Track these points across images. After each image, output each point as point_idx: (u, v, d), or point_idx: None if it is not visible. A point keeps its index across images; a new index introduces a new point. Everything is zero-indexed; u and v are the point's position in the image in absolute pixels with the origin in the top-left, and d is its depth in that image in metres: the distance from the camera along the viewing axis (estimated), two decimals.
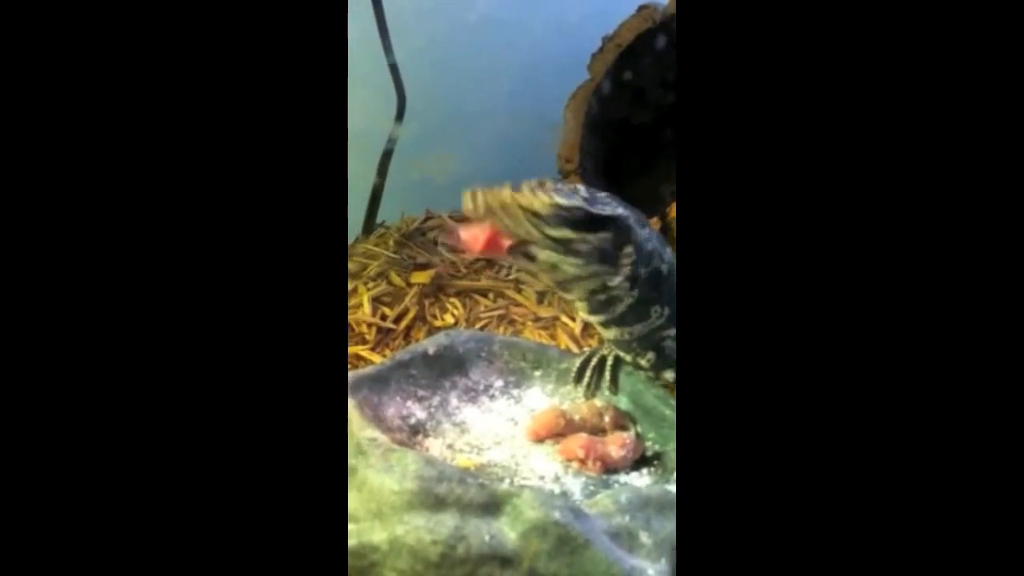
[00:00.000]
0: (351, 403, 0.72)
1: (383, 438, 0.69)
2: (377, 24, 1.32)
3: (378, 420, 0.77)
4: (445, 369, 0.86)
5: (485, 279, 1.22)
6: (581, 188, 0.75)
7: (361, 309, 1.15)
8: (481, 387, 0.87)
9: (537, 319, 1.14)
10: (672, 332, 0.78)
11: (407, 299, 1.16)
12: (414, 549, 0.61)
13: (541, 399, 0.87)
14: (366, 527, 0.63)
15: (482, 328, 1.13)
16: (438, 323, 1.13)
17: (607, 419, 0.81)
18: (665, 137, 1.43)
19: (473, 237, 0.72)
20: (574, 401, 0.85)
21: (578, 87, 1.30)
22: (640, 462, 0.78)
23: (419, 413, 0.82)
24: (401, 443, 0.75)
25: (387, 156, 1.38)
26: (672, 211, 1.22)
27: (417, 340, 1.09)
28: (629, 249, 0.74)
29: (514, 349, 0.90)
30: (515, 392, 0.87)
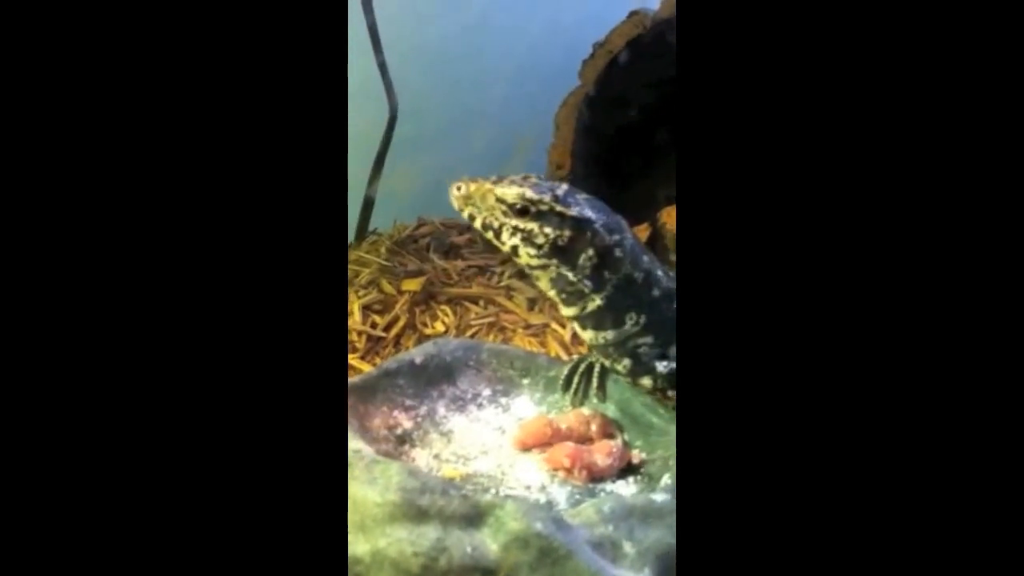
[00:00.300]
0: None
1: (367, 449, 0.69)
2: (367, 22, 1.31)
3: (364, 430, 0.77)
4: (433, 378, 0.86)
5: (476, 286, 1.22)
6: (561, 186, 0.78)
7: (352, 317, 1.15)
8: (469, 396, 0.87)
9: (528, 326, 1.14)
10: (649, 340, 0.79)
11: (397, 307, 1.16)
12: (396, 561, 0.61)
13: (529, 407, 0.86)
14: (350, 539, 0.63)
15: (473, 335, 1.13)
16: (428, 331, 1.13)
17: (594, 427, 0.81)
18: (660, 140, 1.44)
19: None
20: (562, 409, 0.85)
21: (569, 93, 1.30)
22: (626, 470, 0.78)
23: (406, 423, 0.82)
24: (387, 454, 0.75)
25: (380, 161, 1.38)
26: (663, 216, 1.22)
27: (407, 348, 1.09)
28: (590, 252, 0.76)
29: (502, 357, 0.89)
30: (503, 400, 0.87)
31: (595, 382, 0.86)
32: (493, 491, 0.74)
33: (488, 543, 0.61)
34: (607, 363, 0.83)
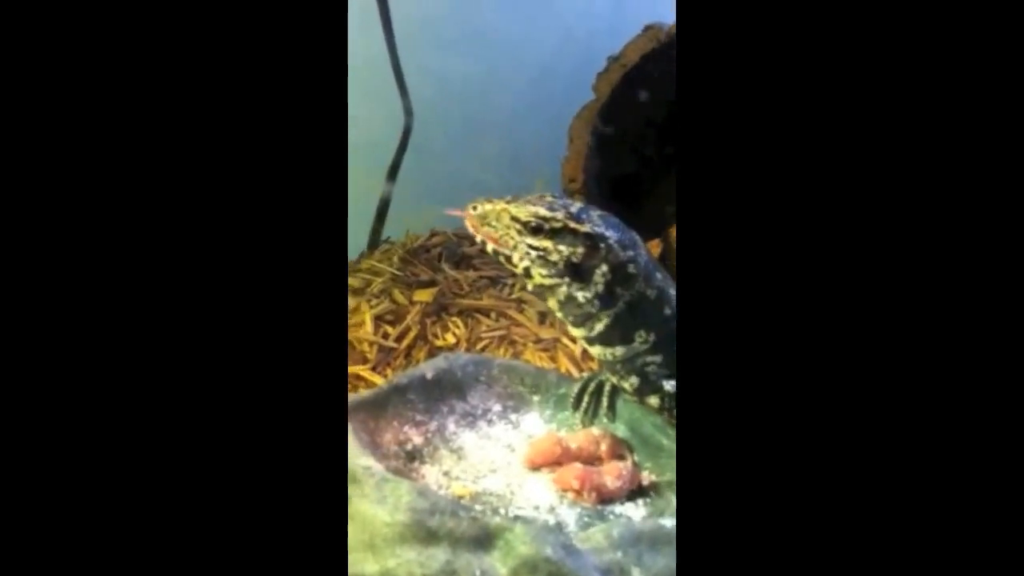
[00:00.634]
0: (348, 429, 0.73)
1: (378, 466, 0.69)
2: (382, 23, 1.31)
3: (374, 446, 0.77)
4: (443, 393, 0.86)
5: (487, 298, 1.22)
6: (575, 203, 0.79)
7: (363, 327, 1.15)
8: (479, 412, 0.87)
9: (538, 340, 1.14)
10: (658, 359, 0.79)
11: (409, 317, 1.17)
12: None
13: (539, 425, 0.86)
14: (359, 558, 0.64)
15: (483, 349, 1.13)
16: (439, 343, 1.13)
17: (604, 447, 0.81)
18: (671, 154, 1.43)
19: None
20: (572, 428, 0.85)
21: (583, 107, 1.30)
22: (636, 492, 0.78)
23: (416, 439, 0.82)
24: (397, 470, 0.75)
25: (395, 169, 1.39)
26: (674, 231, 1.22)
27: (418, 359, 1.09)
28: (604, 268, 0.76)
29: (513, 373, 0.89)
30: (513, 417, 0.87)
31: (605, 402, 0.86)
32: (503, 512, 0.74)
33: (497, 567, 0.61)
34: (615, 380, 0.83)
